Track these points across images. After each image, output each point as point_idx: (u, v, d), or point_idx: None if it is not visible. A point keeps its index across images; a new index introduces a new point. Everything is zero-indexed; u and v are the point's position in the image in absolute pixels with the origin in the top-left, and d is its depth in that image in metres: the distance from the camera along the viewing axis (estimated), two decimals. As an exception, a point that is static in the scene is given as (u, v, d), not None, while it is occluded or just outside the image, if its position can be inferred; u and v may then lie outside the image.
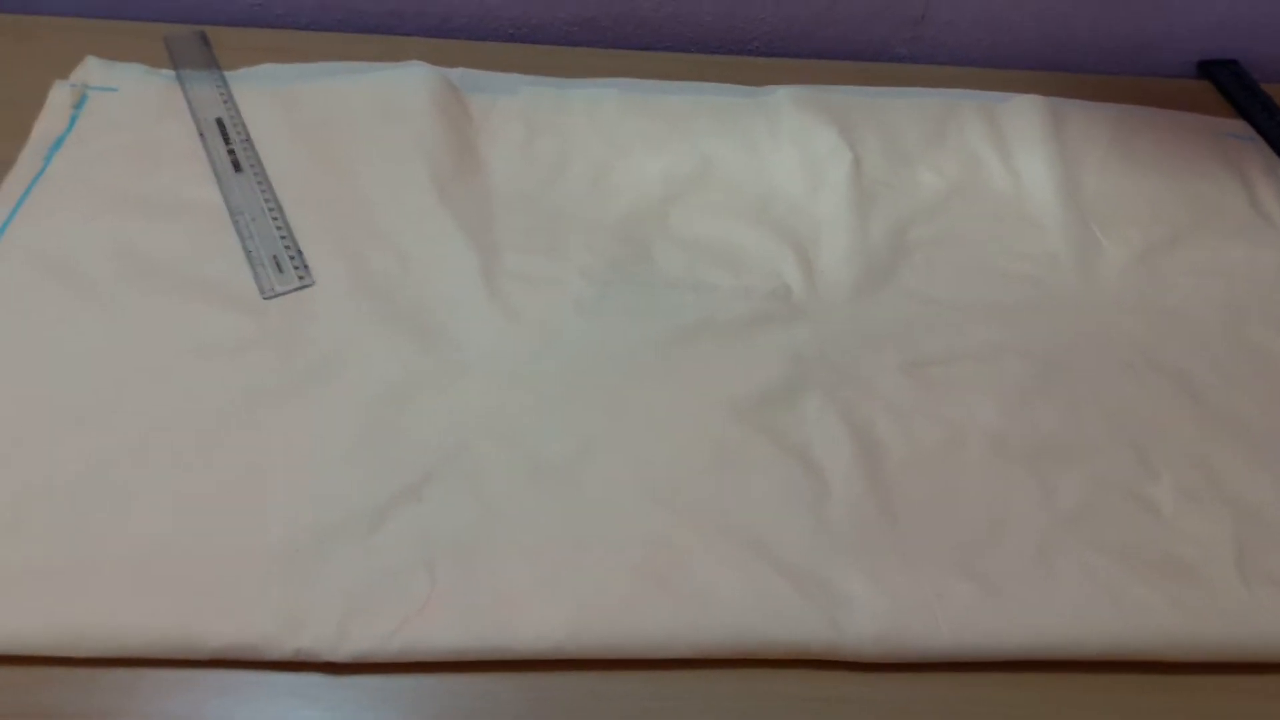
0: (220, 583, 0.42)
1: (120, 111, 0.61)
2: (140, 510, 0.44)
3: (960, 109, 0.67)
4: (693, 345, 0.52)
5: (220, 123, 0.61)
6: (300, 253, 0.55)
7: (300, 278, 0.54)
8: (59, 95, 0.62)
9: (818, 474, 0.47)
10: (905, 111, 0.66)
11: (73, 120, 0.61)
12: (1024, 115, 0.66)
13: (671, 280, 0.56)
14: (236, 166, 0.59)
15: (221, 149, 0.60)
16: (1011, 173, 0.63)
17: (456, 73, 0.66)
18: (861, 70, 0.71)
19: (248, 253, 0.55)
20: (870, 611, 0.42)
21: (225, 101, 0.63)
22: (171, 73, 0.65)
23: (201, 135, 0.61)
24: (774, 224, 0.59)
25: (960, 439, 0.49)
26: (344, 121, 0.62)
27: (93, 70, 0.63)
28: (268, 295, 0.53)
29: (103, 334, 0.50)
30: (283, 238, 0.55)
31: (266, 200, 0.57)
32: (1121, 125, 0.67)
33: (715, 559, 0.44)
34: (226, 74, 0.65)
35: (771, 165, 0.62)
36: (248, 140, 0.60)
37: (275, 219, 0.56)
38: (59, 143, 0.59)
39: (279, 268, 0.54)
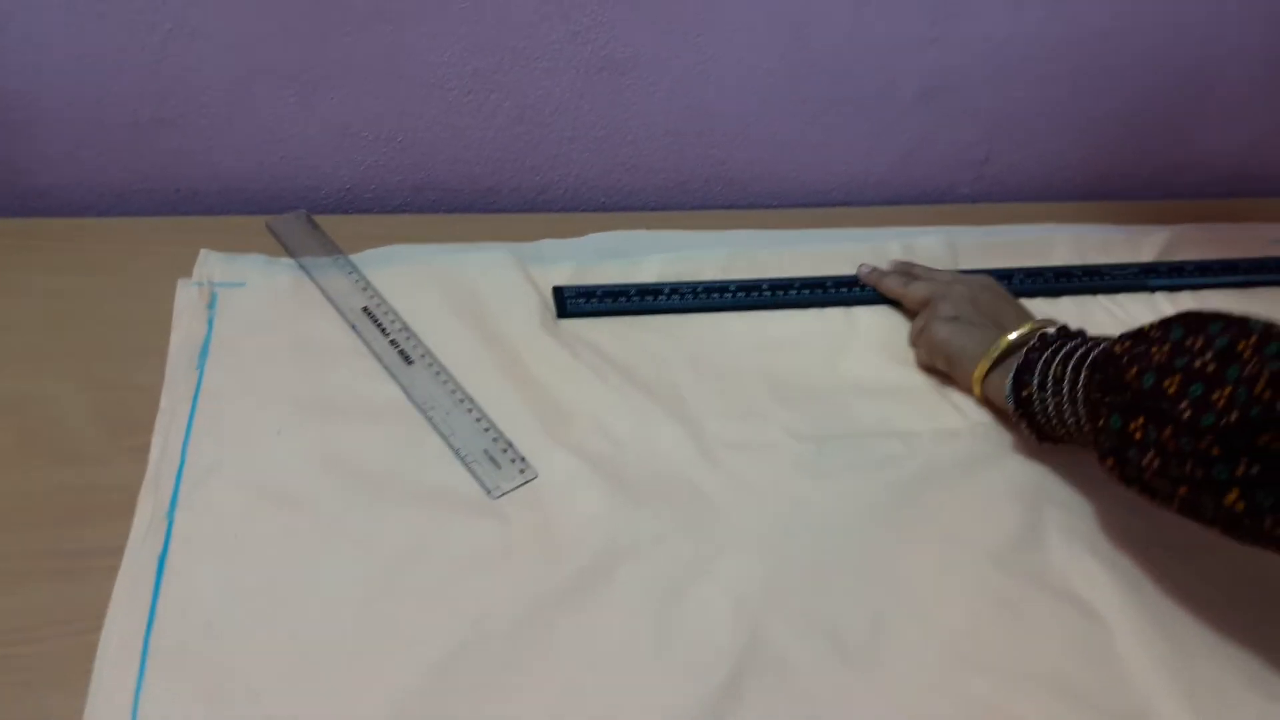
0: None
1: (257, 308, 0.58)
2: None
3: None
4: (926, 494, 0.53)
5: (368, 312, 0.58)
6: (511, 445, 0.52)
7: (521, 471, 0.51)
8: (186, 296, 0.58)
9: (1095, 617, 0.48)
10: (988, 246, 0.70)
11: (210, 322, 0.56)
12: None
13: (870, 430, 0.56)
14: (406, 358, 0.56)
15: (382, 341, 0.57)
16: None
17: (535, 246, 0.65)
18: (931, 212, 0.76)
19: (455, 450, 0.52)
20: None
21: (364, 289, 0.60)
22: (292, 261, 0.62)
23: (353, 327, 0.58)
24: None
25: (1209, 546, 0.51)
26: (500, 301, 0.60)
27: (214, 265, 0.59)
28: (495, 495, 0.50)
29: (346, 559, 0.46)
30: (486, 430, 0.53)
31: (453, 392, 0.54)
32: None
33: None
34: (352, 258, 0.62)
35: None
36: (406, 329, 0.58)
37: (470, 411, 0.54)
38: (205, 349, 0.55)
39: (495, 463, 0.51)
